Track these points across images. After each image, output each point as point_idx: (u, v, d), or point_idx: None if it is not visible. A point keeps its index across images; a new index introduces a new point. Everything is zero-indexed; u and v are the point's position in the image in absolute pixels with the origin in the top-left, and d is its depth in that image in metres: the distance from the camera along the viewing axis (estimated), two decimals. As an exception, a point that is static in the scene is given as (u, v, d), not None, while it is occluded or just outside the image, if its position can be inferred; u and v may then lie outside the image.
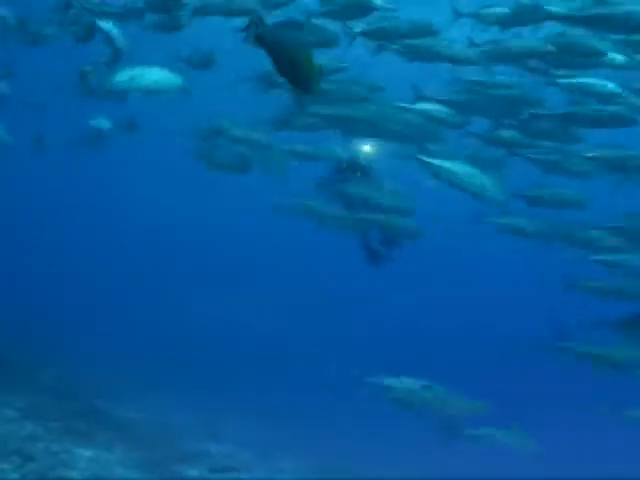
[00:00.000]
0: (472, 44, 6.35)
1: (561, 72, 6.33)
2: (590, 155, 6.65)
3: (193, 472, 8.06)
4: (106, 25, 6.94)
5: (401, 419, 12.65)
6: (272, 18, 5.74)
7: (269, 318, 19.68)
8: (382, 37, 6.36)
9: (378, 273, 8.39)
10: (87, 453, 7.38)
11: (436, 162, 6.15)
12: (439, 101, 6.71)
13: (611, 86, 6.20)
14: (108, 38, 7.07)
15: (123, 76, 6.33)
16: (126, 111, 9.48)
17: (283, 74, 3.20)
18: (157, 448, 8.54)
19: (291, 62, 3.09)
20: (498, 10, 6.09)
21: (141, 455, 7.90)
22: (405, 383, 6.77)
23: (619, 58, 6.07)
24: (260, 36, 3.13)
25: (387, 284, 20.18)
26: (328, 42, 6.17)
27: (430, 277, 22.65)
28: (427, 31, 6.28)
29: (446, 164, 6.14)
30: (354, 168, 7.49)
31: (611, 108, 6.23)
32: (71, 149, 10.66)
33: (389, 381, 6.83)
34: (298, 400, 13.22)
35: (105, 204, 26.67)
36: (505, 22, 6.07)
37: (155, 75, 6.38)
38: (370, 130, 6.82)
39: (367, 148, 7.45)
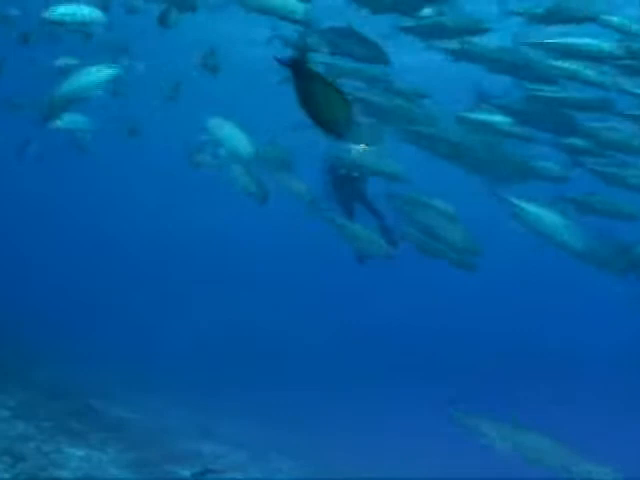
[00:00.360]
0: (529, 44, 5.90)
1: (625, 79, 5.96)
2: None
3: (186, 472, 7.95)
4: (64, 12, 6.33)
5: (399, 419, 12.61)
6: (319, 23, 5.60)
7: (265, 317, 19.61)
8: (426, 34, 5.92)
9: (375, 273, 8.24)
10: (79, 453, 7.26)
11: (524, 206, 5.49)
12: (501, 108, 6.25)
13: None
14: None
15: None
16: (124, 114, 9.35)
17: (311, 114, 2.93)
18: (151, 448, 8.43)
19: (324, 102, 2.77)
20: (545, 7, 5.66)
21: (134, 455, 7.79)
22: (501, 429, 6.33)
23: None
24: (296, 65, 2.87)
25: (385, 284, 20.11)
26: (377, 58, 5.89)
27: (431, 278, 22.59)
28: (477, 29, 5.73)
29: (534, 210, 5.45)
30: (349, 168, 7.31)
31: None
32: (64, 151, 10.52)
33: (483, 425, 6.42)
34: (294, 399, 13.15)
35: (100, 204, 26.59)
36: (552, 19, 5.66)
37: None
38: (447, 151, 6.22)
39: (362, 147, 7.28)
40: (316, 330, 19.91)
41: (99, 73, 6.00)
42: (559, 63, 5.85)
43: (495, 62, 5.96)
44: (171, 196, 25.82)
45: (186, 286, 22.85)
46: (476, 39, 5.94)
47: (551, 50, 5.87)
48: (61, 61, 7.84)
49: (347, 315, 22.61)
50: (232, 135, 6.61)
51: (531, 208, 5.51)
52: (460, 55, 6.02)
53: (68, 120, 7.75)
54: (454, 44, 6.01)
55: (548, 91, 6.15)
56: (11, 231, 22.36)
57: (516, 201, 5.56)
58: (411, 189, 6.99)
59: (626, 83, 6.00)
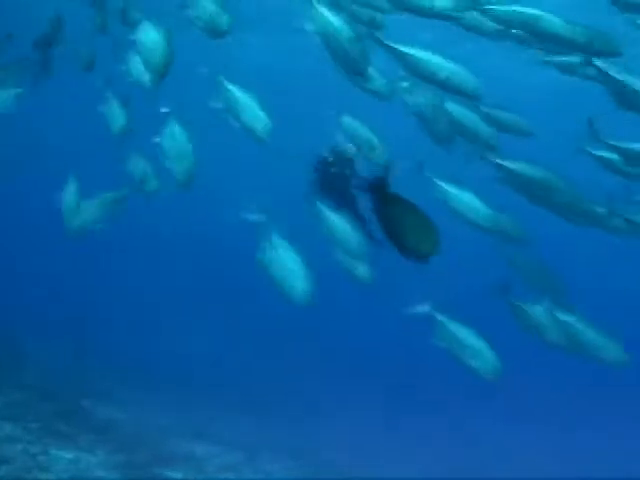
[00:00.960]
0: None
1: None
2: None
3: (178, 475, 7.79)
4: None
5: (394, 419, 12.50)
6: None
7: (257, 315, 19.49)
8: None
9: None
10: (67, 455, 7.09)
11: None
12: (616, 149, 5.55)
13: None
14: None
15: None
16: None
17: (396, 241, 2.67)
18: (141, 450, 8.26)
19: (410, 229, 2.58)
20: None
21: (124, 457, 7.62)
22: None
23: None
24: (380, 191, 2.62)
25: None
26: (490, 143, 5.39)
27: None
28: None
29: None
30: (341, 162, 7.04)
31: None
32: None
33: None
34: (290, 397, 13.03)
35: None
36: None
37: None
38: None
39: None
40: (312, 327, 19.80)
41: None
42: None
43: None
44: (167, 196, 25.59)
45: (180, 283, 22.74)
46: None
47: None
48: None
49: (343, 313, 22.49)
50: None
51: None
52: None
53: None
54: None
55: None
56: (2, 231, 22.20)
57: None
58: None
59: None
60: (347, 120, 6.51)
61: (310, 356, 16.43)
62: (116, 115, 6.77)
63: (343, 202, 7.15)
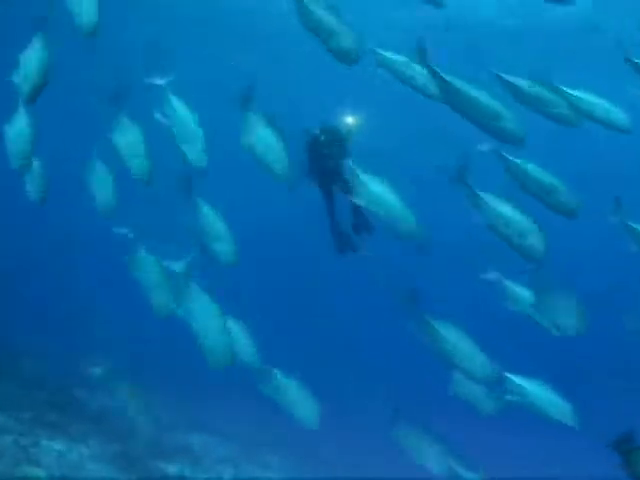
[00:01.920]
0: None
1: None
2: None
3: (174, 468, 7.61)
4: None
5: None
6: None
7: (253, 308, 19.34)
8: None
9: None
10: (58, 447, 6.88)
11: None
12: None
13: None
14: None
15: None
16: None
17: None
18: (136, 441, 8.07)
19: None
20: None
21: (117, 449, 7.42)
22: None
23: None
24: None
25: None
26: None
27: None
28: None
29: None
30: (333, 140, 6.71)
31: None
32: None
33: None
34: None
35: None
36: None
37: None
38: None
39: (350, 120, 6.73)
40: (310, 323, 19.67)
41: None
42: None
43: None
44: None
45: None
46: None
47: None
48: None
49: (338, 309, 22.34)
50: None
51: None
52: None
53: None
54: None
55: None
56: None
57: None
58: None
59: None
60: None
61: (309, 354, 16.28)
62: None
63: (334, 184, 6.81)
